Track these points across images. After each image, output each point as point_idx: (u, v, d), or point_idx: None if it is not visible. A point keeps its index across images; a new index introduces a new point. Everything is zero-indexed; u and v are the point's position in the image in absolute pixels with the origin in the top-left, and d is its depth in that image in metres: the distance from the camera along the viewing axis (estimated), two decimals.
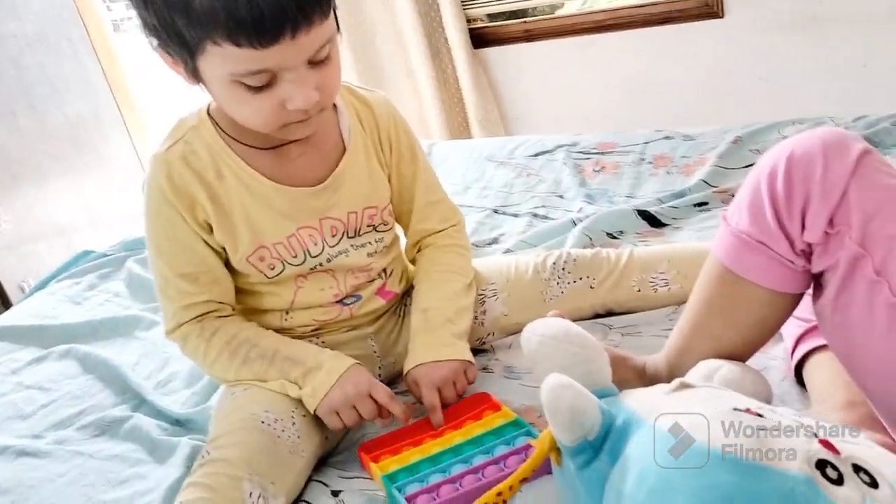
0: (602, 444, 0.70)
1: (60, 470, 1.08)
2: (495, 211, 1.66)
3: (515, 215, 1.62)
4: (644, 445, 0.65)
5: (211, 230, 1.02)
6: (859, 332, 0.74)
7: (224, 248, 1.04)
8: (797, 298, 0.84)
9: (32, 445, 1.14)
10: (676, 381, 0.74)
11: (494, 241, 1.53)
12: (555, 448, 0.74)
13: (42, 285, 1.68)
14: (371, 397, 1.00)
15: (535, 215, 1.60)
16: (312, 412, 0.99)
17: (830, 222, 0.74)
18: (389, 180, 1.12)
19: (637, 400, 0.74)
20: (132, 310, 1.50)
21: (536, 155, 1.82)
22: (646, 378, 0.95)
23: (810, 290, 0.82)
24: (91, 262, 1.72)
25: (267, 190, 1.02)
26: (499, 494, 0.76)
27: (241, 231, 1.02)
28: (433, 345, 1.06)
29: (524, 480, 0.76)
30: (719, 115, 2.15)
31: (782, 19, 2.30)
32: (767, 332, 0.88)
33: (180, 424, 1.15)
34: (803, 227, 0.76)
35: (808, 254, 0.78)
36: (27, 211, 2.65)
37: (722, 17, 2.37)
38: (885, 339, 0.72)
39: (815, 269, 0.78)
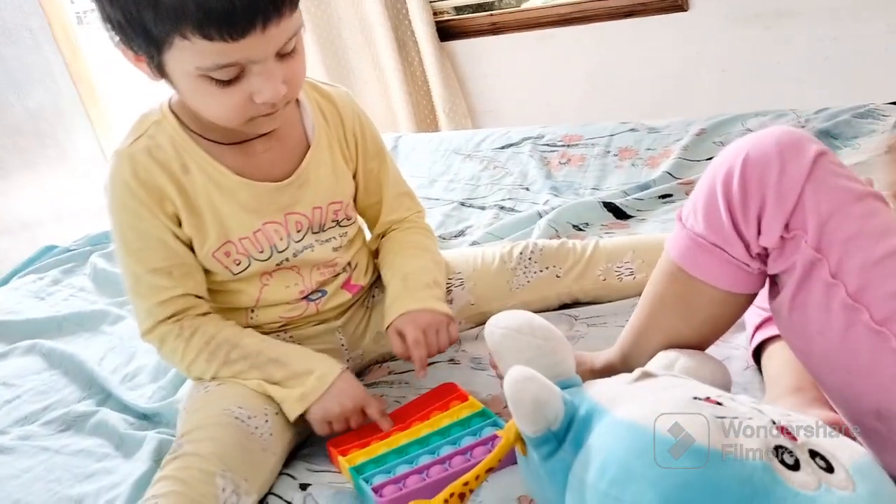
0: (565, 434, 0.72)
1: (26, 465, 1.08)
2: (462, 204, 1.67)
3: (482, 208, 1.63)
4: (606, 436, 0.66)
5: (179, 223, 1.01)
6: (816, 331, 0.75)
7: (191, 244, 1.03)
8: (752, 297, 0.85)
9: None
10: (638, 371, 0.76)
11: (461, 233, 1.54)
12: (520, 439, 0.76)
13: (4, 281, 1.66)
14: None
15: (502, 208, 1.61)
16: (296, 415, 0.99)
17: (786, 227, 0.74)
18: (355, 175, 1.13)
19: (599, 390, 0.76)
20: (98, 304, 1.49)
21: (503, 147, 1.83)
22: (597, 374, 0.95)
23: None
24: (55, 257, 1.70)
25: (232, 184, 1.02)
26: (465, 484, 0.77)
27: (209, 225, 1.02)
28: (415, 300, 1.07)
29: (490, 470, 0.78)
30: (684, 108, 2.18)
31: (746, 13, 2.33)
32: (722, 327, 0.89)
33: (147, 419, 1.14)
34: (759, 231, 0.76)
35: (763, 256, 0.78)
36: None
37: (686, 10, 2.39)
38: (842, 338, 0.73)
39: (771, 271, 0.78)
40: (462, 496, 0.77)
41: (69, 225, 2.75)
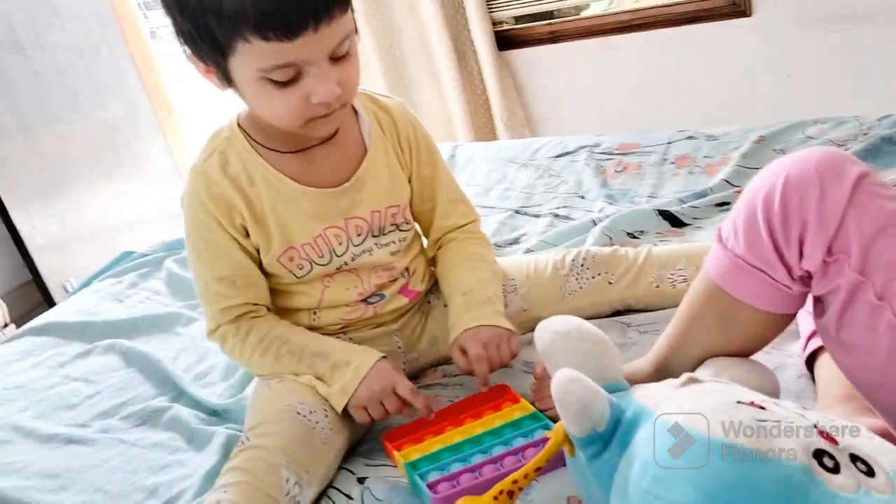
0: (611, 436, 0.74)
1: (105, 456, 1.15)
2: (517, 211, 1.69)
3: (537, 216, 1.65)
4: (648, 437, 0.69)
5: (247, 234, 1.08)
6: (863, 351, 0.75)
7: (258, 250, 1.09)
8: (793, 316, 0.85)
9: (79, 434, 1.21)
10: (685, 376, 0.77)
11: (515, 241, 1.56)
12: (568, 440, 0.78)
13: (86, 284, 1.75)
14: (395, 393, 1.04)
15: (556, 216, 1.63)
16: (340, 408, 1.04)
17: (829, 251, 0.74)
18: (410, 181, 1.17)
19: (645, 394, 0.78)
20: (171, 307, 1.57)
21: (558, 156, 1.85)
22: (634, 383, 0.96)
23: None
24: (132, 262, 1.79)
25: (294, 192, 1.07)
26: (514, 482, 0.81)
27: (273, 233, 1.08)
28: (477, 317, 1.10)
29: (539, 470, 0.80)
30: (747, 115, 2.15)
31: (810, 17, 2.30)
32: (761, 344, 0.89)
33: (217, 415, 1.20)
34: (801, 254, 0.76)
35: (805, 279, 0.78)
36: (71, 213, 2.74)
37: (749, 15, 2.37)
38: (889, 358, 0.73)
39: (815, 293, 0.78)
40: (511, 494, 0.81)
41: (143, 231, 2.87)
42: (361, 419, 1.04)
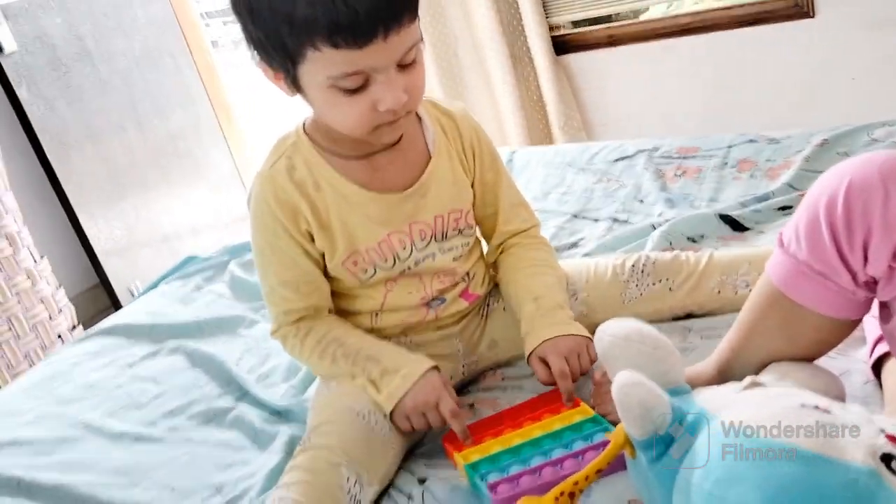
0: (673, 439, 0.74)
1: (173, 455, 1.18)
2: (575, 216, 1.68)
3: (595, 220, 1.65)
4: (712, 440, 0.68)
5: (312, 239, 1.10)
6: None
7: (323, 255, 1.12)
8: (858, 321, 0.83)
9: (147, 432, 1.25)
10: (748, 379, 0.77)
11: (574, 245, 1.56)
12: (629, 442, 0.78)
13: (152, 287, 1.81)
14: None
15: (615, 220, 1.62)
16: (387, 415, 1.04)
17: (894, 256, 0.73)
18: (472, 186, 1.18)
19: (707, 397, 0.78)
20: (235, 310, 1.60)
21: (617, 160, 1.84)
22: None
23: None
24: (196, 265, 1.84)
25: (360, 198, 1.09)
26: (575, 484, 0.80)
27: (338, 238, 1.10)
28: (552, 324, 1.10)
29: (599, 472, 0.80)
30: (810, 118, 2.11)
31: (875, 17, 2.24)
32: (825, 350, 0.88)
33: (279, 415, 1.23)
34: (866, 260, 0.75)
35: (870, 284, 0.77)
36: (135, 219, 2.82)
37: (813, 16, 2.33)
38: None
39: (881, 298, 0.77)
40: (572, 495, 0.81)
41: (204, 237, 2.94)
42: (404, 428, 1.05)
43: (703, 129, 2.11)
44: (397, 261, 1.13)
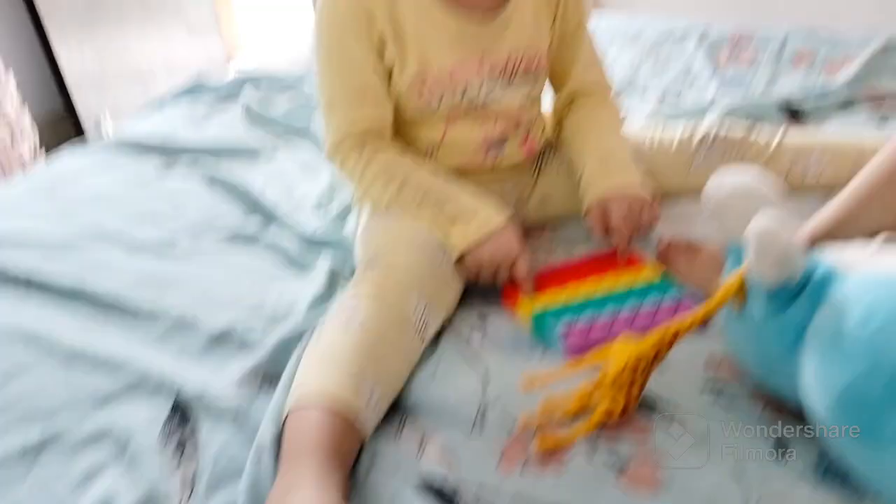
0: (800, 291, 0.70)
1: (203, 271, 1.08)
2: (621, 91, 1.60)
3: (643, 96, 1.57)
4: (868, 288, 0.64)
5: (382, 54, 1.01)
6: None
7: (391, 72, 1.03)
8: None
9: (170, 250, 1.14)
10: (884, 234, 0.73)
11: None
12: (741, 291, 0.74)
13: (158, 106, 1.67)
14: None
15: (664, 99, 1.54)
16: (458, 253, 0.97)
17: None
18: (553, 27, 1.10)
19: (835, 256, 0.73)
20: (253, 137, 1.49)
21: (664, 40, 1.76)
22: None
23: None
24: (206, 92, 1.71)
25: (440, 14, 1.01)
26: (675, 333, 0.76)
27: (410, 53, 1.02)
28: (619, 177, 1.05)
29: (704, 322, 0.75)
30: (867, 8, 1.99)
31: None
32: None
33: (316, 245, 1.14)
34: None
35: None
36: (109, 50, 2.62)
37: None
38: None
39: None
40: (670, 344, 0.76)
41: (180, 78, 2.76)
42: (469, 276, 0.98)
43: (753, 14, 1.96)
44: (465, 94, 1.06)
